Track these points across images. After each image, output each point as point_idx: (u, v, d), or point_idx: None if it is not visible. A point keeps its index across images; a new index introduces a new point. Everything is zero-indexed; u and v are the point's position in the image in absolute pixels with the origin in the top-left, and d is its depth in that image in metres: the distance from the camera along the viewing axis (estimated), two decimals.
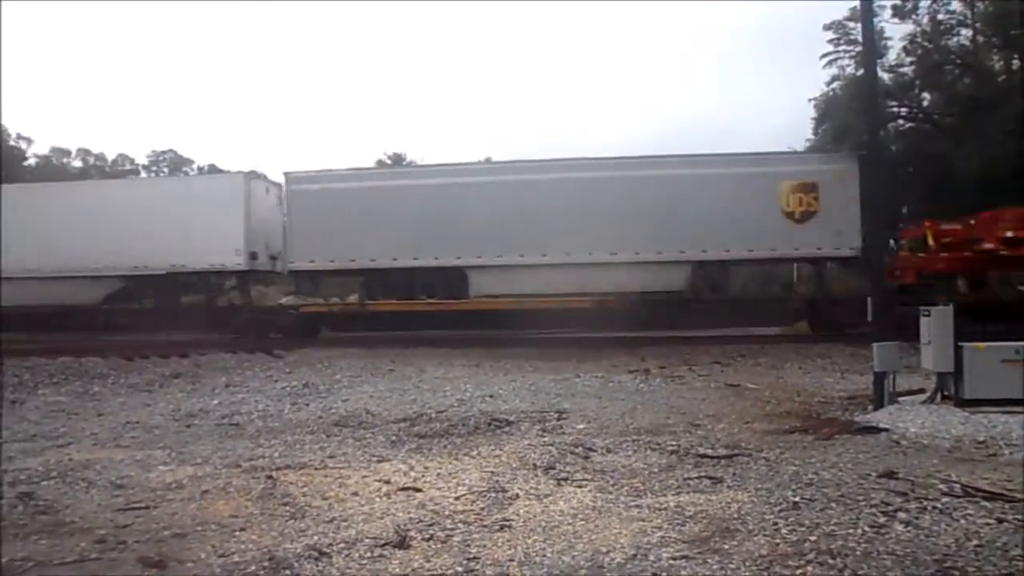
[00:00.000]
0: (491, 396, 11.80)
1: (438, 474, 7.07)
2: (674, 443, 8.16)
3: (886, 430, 8.55)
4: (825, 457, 7.33)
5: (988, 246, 18.11)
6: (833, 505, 5.69)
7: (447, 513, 5.81)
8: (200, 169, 56.89)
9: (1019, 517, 5.28)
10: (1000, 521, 5.22)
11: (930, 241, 19.09)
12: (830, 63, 46.50)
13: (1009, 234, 17.75)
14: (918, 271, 18.91)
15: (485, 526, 5.48)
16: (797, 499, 5.85)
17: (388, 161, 50.94)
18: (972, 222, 18.53)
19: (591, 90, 79.08)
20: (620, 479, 6.70)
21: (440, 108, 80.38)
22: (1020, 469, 6.69)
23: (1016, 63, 44.27)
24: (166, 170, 56.58)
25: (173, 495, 6.60)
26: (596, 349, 17.68)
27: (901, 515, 5.40)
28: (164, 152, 56.32)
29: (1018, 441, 7.75)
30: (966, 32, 45.78)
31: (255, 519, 5.84)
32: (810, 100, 47.59)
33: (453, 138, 79.61)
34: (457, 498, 6.22)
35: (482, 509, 5.91)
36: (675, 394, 11.93)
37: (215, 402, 12.03)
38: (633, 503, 5.91)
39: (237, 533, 5.50)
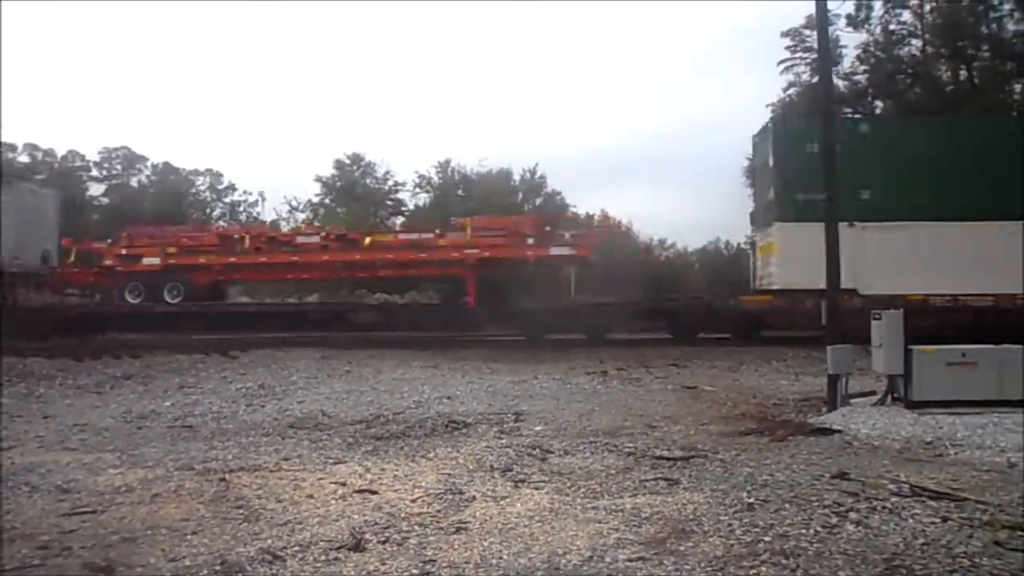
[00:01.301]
0: (449, 398, 11.76)
1: (394, 476, 7.02)
2: (631, 445, 8.20)
3: (839, 431, 8.71)
4: (780, 458, 7.42)
5: (108, 262, 21.37)
6: (787, 506, 5.75)
7: (403, 515, 5.76)
8: (154, 167, 55.88)
9: (963, 516, 5.39)
10: (945, 520, 5.33)
11: (72, 256, 22.24)
12: (787, 69, 47.33)
13: (124, 251, 21.18)
14: (67, 282, 22.22)
15: (441, 528, 5.45)
16: (752, 500, 5.91)
17: (347, 162, 50.61)
18: (110, 240, 22.02)
19: (553, 93, 79.43)
20: (577, 481, 6.71)
21: (401, 109, 79.87)
22: (964, 469, 6.84)
23: (963, 73, 45.43)
24: (119, 167, 55.43)
25: (122, 499, 6.45)
26: (554, 351, 17.72)
27: (852, 515, 5.48)
28: (117, 149, 55.15)
29: (963, 441, 7.94)
30: (916, 42, 46.89)
31: (207, 522, 5.73)
32: (768, 105, 48.35)
33: (414, 139, 79.10)
34: (413, 500, 6.18)
35: (438, 511, 5.87)
36: (632, 396, 12.02)
37: (167, 403, 11.83)
38: (590, 505, 5.92)
39: (188, 537, 5.40)
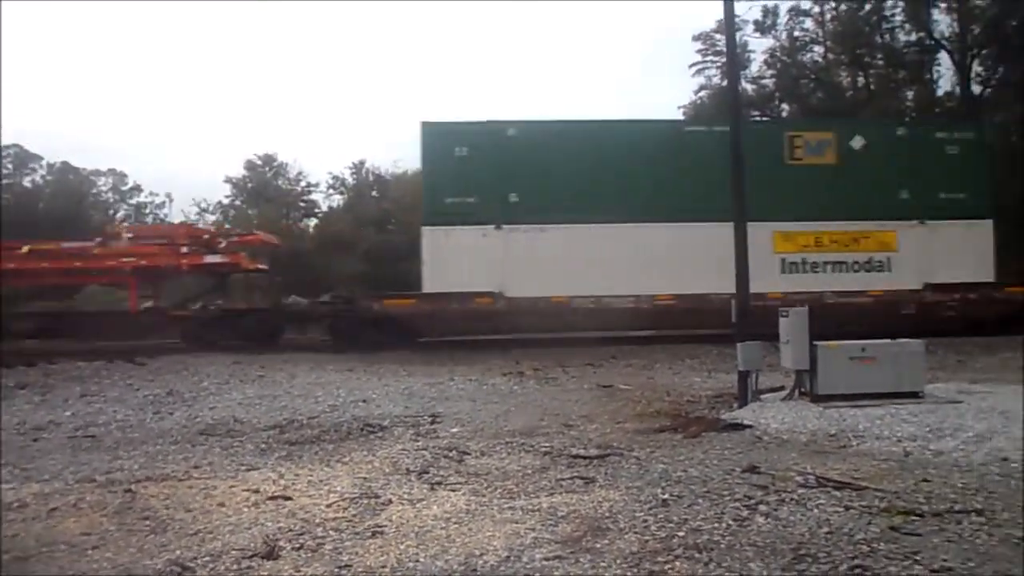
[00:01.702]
0: (364, 401, 11.62)
1: (309, 481, 6.89)
2: (548, 444, 8.25)
3: (750, 426, 8.93)
4: (693, 454, 7.57)
5: None
6: (700, 501, 5.88)
7: (318, 521, 5.66)
8: (50, 166, 53.49)
9: (863, 504, 5.61)
10: (847, 508, 5.54)
11: None
12: (699, 72, 48.49)
13: None
14: None
15: (357, 533, 5.38)
16: (666, 496, 6.01)
17: (259, 162, 49.55)
18: None
19: (468, 94, 79.22)
20: (494, 482, 6.71)
21: (315, 109, 78.59)
22: (865, 459, 7.12)
23: (861, 79, 47.43)
24: (9, 167, 52.78)
25: (15, 515, 6.13)
26: (470, 352, 17.71)
27: (762, 507, 5.64)
28: (8, 147, 52.54)
29: (864, 433, 8.24)
30: (819, 49, 48.74)
31: (111, 536, 5.52)
32: (679, 108, 49.43)
33: (328, 140, 77.91)
34: (328, 505, 6.07)
35: (354, 516, 5.79)
36: (549, 396, 12.10)
37: (68, 413, 11.33)
38: (507, 505, 5.93)
39: (90, 552, 5.18)
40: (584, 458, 7.57)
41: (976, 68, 45.34)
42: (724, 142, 17.91)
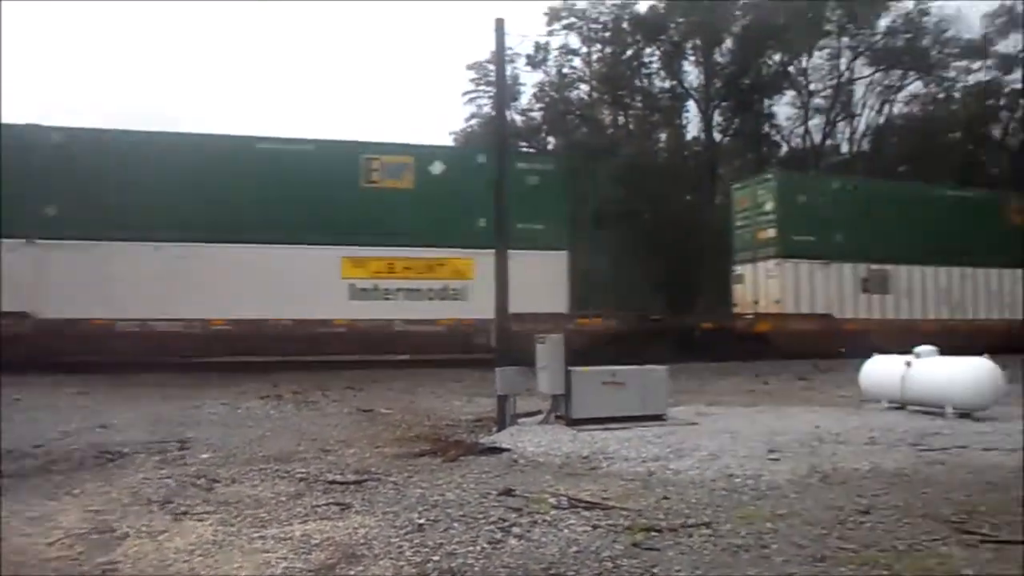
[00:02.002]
0: (103, 426, 10.65)
1: (27, 519, 6.14)
2: (304, 470, 7.96)
3: (507, 450, 9.10)
4: (451, 478, 7.59)
5: None
6: (456, 524, 5.89)
7: (34, 562, 5.05)
8: None
9: (610, 522, 5.88)
10: (595, 527, 5.76)
11: None
12: (471, 101, 49.70)
13: None
14: None
15: (84, 572, 4.86)
16: (423, 521, 5.97)
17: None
18: None
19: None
20: (244, 510, 6.34)
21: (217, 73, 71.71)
22: (614, 479, 7.49)
23: (622, 119, 50.94)
24: None
25: None
26: (226, 375, 16.83)
27: (515, 530, 5.74)
28: None
29: (613, 454, 8.67)
30: (585, 87, 51.77)
31: None
32: (451, 134, 50.37)
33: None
34: (50, 544, 5.45)
35: (80, 553, 5.23)
36: (307, 420, 11.73)
37: None
38: (257, 534, 5.62)
39: None
40: (341, 483, 7.37)
41: (717, 118, 50.18)
42: (299, 159, 18.24)
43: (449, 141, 47.42)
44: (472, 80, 48.19)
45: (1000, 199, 30.40)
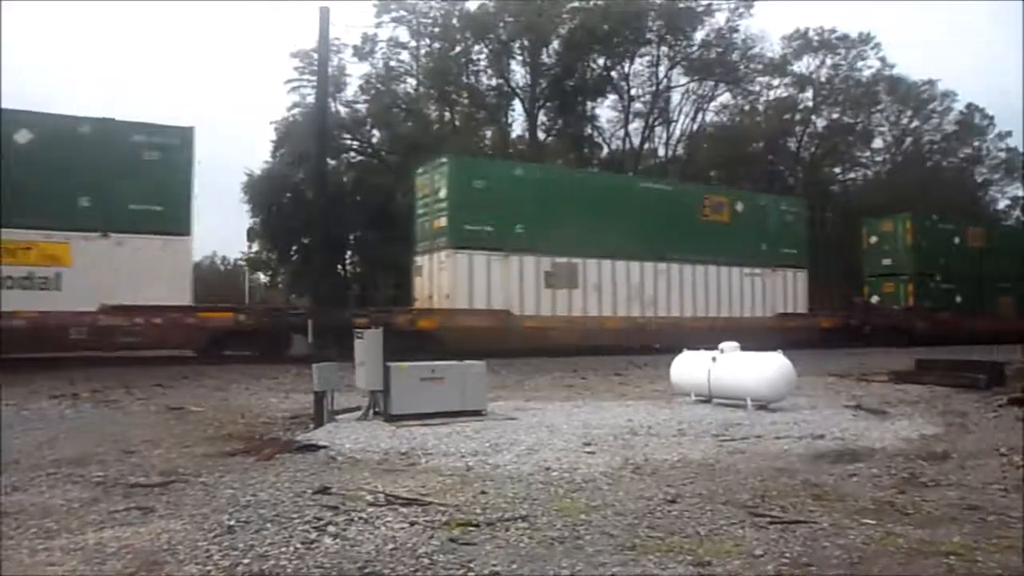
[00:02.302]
0: None
1: None
2: (101, 473, 7.42)
3: (324, 447, 8.88)
4: (265, 478, 7.33)
5: None
6: (268, 525, 5.68)
7: None
8: None
9: (427, 518, 5.87)
10: (412, 524, 5.73)
11: None
12: (294, 90, 48.19)
13: None
14: None
15: None
16: (233, 523, 5.72)
17: None
18: None
19: None
20: (28, 520, 5.81)
21: None
22: (432, 475, 7.49)
23: (448, 115, 51.08)
24: None
25: None
26: (13, 372, 15.46)
27: (331, 528, 5.61)
28: None
29: (432, 450, 8.68)
30: (412, 81, 51.53)
31: None
32: (272, 123, 48.70)
33: None
34: None
35: None
36: (109, 420, 10.97)
37: None
38: (42, 546, 5.17)
39: None
40: (144, 486, 6.94)
41: (542, 118, 51.40)
42: None
43: (271, 130, 45.90)
44: (296, 68, 46.85)
45: (702, 193, 31.47)
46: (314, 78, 44.07)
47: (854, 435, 9.79)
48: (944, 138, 68.68)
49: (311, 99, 44.54)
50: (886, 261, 36.58)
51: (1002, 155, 72.62)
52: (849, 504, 6.31)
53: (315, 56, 42.25)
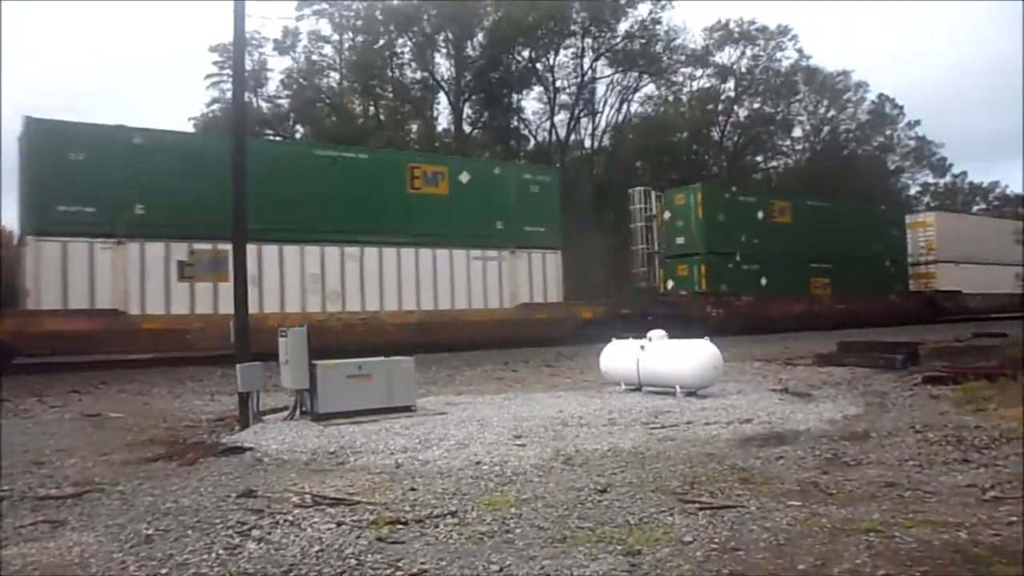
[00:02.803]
0: None
1: None
2: (7, 487, 7.06)
3: (250, 449, 8.67)
4: (187, 483, 7.09)
5: None
6: (189, 532, 5.48)
7: None
8: None
9: (355, 518, 5.74)
10: (339, 524, 5.60)
11: None
12: (213, 85, 47.05)
13: None
14: None
15: None
16: (151, 531, 5.50)
17: None
18: None
19: None
20: None
21: None
22: (361, 473, 7.35)
23: (372, 109, 50.51)
24: None
25: None
26: None
27: (255, 532, 5.44)
28: None
29: (361, 448, 8.54)
30: (335, 75, 50.82)
31: None
32: (190, 119, 47.50)
33: None
34: None
35: None
36: (19, 430, 10.48)
37: None
38: None
39: None
40: (56, 498, 6.63)
41: (468, 111, 51.25)
42: None
43: (189, 127, 44.75)
44: (215, 63, 45.75)
45: (409, 161, 26.53)
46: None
47: (780, 418, 9.98)
48: (859, 127, 71.11)
49: (231, 94, 43.73)
50: (680, 240, 32.70)
51: (912, 143, 75.65)
52: (775, 487, 6.40)
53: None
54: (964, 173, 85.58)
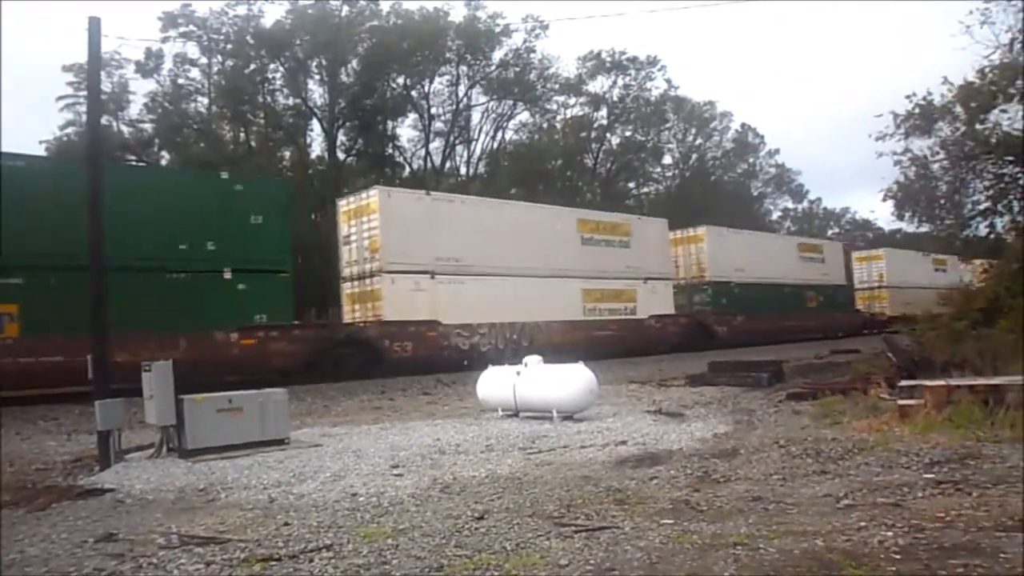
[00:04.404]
0: None
1: None
2: None
3: (111, 490, 8.23)
4: (37, 530, 6.64)
5: None
6: None
7: None
8: None
9: (225, 556, 5.52)
10: (209, 564, 5.38)
11: None
12: (68, 107, 44.83)
13: None
14: None
15: None
16: None
17: None
18: None
19: None
20: None
21: None
22: (233, 510, 7.08)
23: (243, 135, 49.21)
24: None
25: None
26: None
27: None
28: None
29: (232, 484, 8.23)
30: (204, 100, 49.24)
31: None
32: (41, 143, 45.06)
33: None
34: None
35: None
36: None
37: None
38: None
39: None
40: None
41: (342, 137, 50.67)
42: None
43: (40, 150, 42.39)
44: (70, 84, 43.58)
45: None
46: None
47: (654, 439, 10.25)
48: (724, 155, 74.57)
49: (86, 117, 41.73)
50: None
51: (772, 171, 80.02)
52: (649, 506, 6.55)
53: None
54: (819, 199, 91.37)
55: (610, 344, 30.24)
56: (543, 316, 28.71)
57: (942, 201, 20.66)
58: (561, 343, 26.92)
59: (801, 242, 47.30)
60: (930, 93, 18.86)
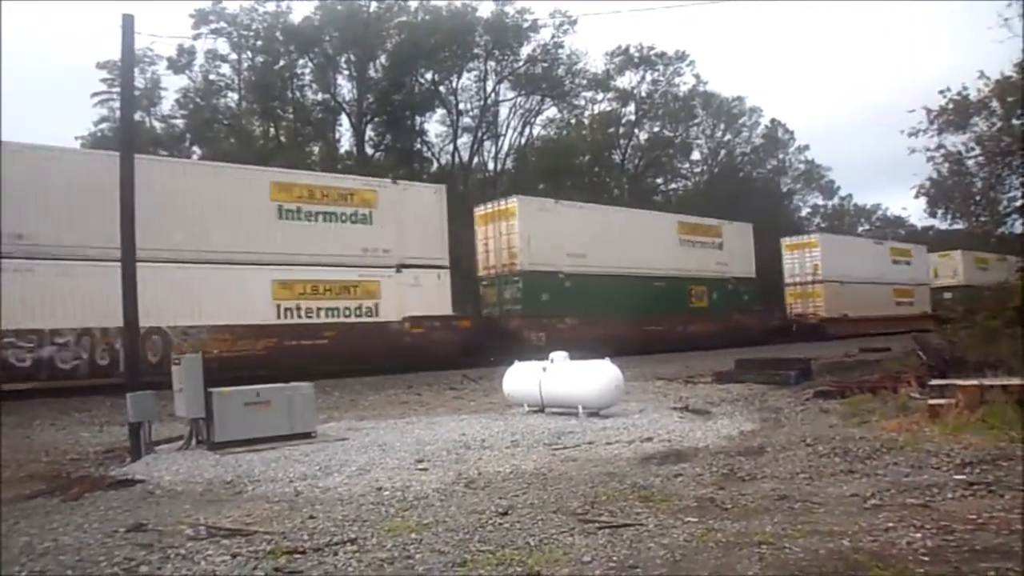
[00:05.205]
0: None
1: None
2: None
3: (142, 481, 8.34)
4: (70, 519, 6.75)
5: None
6: (70, 572, 5.22)
7: None
8: None
9: (251, 548, 5.57)
10: (235, 556, 5.43)
11: None
12: (101, 103, 45.41)
13: None
14: None
15: None
16: (25, 573, 5.21)
17: None
18: None
19: None
20: None
21: None
22: (259, 503, 7.15)
23: (273, 130, 49.57)
24: None
25: None
26: None
27: (143, 569, 5.23)
28: None
29: (260, 477, 8.31)
30: (234, 96, 49.69)
31: None
32: (77, 138, 45.69)
33: None
34: None
35: None
36: None
37: None
38: None
39: None
40: None
41: (370, 133, 50.86)
42: None
43: (76, 145, 43.01)
44: (104, 80, 44.15)
45: None
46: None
47: (680, 436, 10.20)
48: (753, 150, 73.83)
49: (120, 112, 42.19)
50: None
51: (802, 167, 79.09)
52: (674, 503, 6.52)
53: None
54: (850, 195, 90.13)
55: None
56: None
57: (977, 198, 20.36)
58: None
59: (683, 221, 36.97)
60: (965, 88, 18.56)
